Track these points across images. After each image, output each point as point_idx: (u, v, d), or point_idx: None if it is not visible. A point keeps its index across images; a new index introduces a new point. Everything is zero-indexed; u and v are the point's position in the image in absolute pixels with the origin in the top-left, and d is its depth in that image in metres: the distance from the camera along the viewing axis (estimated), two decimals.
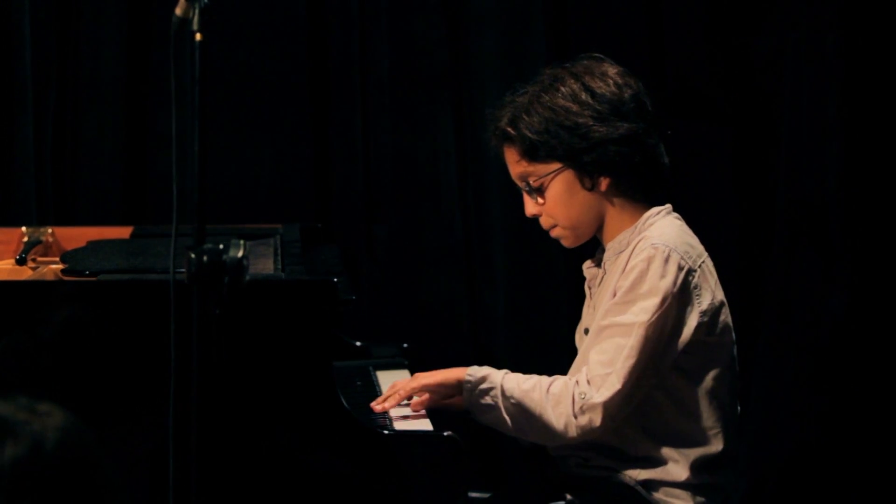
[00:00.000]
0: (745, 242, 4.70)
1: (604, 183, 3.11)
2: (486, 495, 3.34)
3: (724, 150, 4.72)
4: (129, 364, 3.00)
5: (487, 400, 3.07)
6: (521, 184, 3.20)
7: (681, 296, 3.02)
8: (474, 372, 3.10)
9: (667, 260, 3.01)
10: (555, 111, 3.10)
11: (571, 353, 3.42)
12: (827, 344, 4.49)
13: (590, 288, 3.25)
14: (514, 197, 4.72)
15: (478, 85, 4.79)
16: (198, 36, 2.32)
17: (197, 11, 2.33)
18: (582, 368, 3.06)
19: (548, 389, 3.03)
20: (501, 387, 3.07)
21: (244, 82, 4.80)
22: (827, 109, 4.47)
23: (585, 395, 3.00)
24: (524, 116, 3.13)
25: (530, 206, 3.20)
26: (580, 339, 3.27)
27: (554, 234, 3.20)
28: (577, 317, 3.34)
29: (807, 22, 4.50)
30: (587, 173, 3.11)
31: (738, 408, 3.18)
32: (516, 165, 3.17)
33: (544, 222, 3.20)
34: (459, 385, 3.11)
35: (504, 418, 3.07)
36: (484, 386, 3.08)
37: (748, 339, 4.58)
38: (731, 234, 4.67)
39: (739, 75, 4.69)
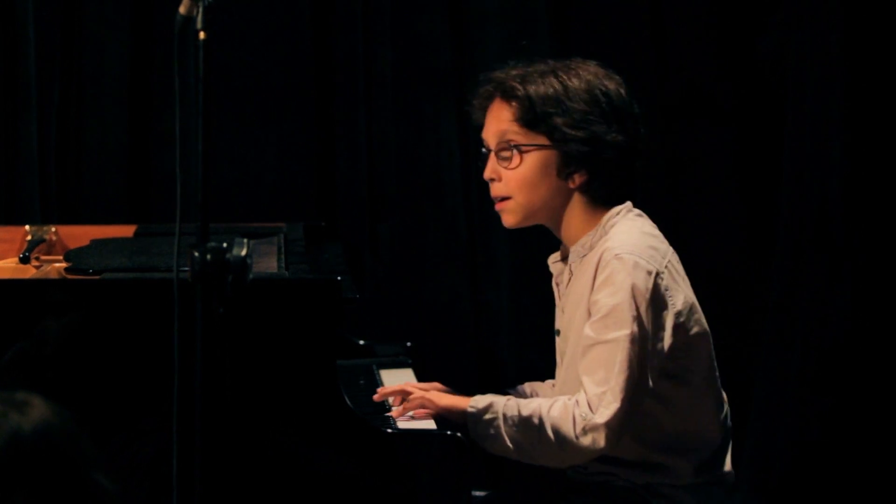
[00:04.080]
0: (749, 242, 4.70)
1: (578, 178, 3.08)
2: (489, 493, 3.35)
3: (727, 149, 4.72)
4: (132, 362, 3.00)
5: (491, 431, 3.04)
6: (493, 143, 3.13)
7: (654, 301, 2.99)
8: (476, 403, 3.06)
9: (634, 267, 2.98)
10: (567, 91, 3.06)
11: None
12: (831, 344, 4.49)
13: (557, 286, 3.23)
14: None
15: None
16: (201, 34, 2.32)
17: (201, 10, 2.33)
18: (580, 390, 3.03)
19: (548, 413, 3.00)
20: (503, 415, 3.03)
21: (248, 81, 4.80)
22: (830, 109, 4.47)
23: (586, 415, 2.96)
24: (538, 80, 3.08)
25: (491, 169, 3.13)
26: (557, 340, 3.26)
27: (500, 206, 3.14)
28: None
29: (810, 21, 4.49)
30: (568, 162, 3.07)
31: (725, 398, 3.17)
32: (503, 123, 3.11)
33: (498, 190, 3.13)
34: (465, 414, 3.07)
35: (508, 446, 3.03)
36: (487, 417, 3.04)
37: (752, 340, 4.59)
38: (734, 233, 4.67)
39: (743, 74, 4.69)
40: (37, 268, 3.60)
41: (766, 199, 4.66)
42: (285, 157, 4.84)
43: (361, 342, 3.73)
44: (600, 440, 2.96)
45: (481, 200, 4.81)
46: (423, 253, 4.85)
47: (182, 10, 2.36)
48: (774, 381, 4.55)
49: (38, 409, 1.91)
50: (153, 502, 2.92)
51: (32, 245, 3.87)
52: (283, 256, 3.51)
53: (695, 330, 3.07)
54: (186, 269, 2.27)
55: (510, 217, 3.15)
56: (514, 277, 4.80)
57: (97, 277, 3.16)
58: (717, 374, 3.15)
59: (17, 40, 4.72)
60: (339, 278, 3.15)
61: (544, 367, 3.46)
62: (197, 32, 2.32)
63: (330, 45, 4.84)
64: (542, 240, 4.77)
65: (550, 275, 3.26)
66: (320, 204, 4.83)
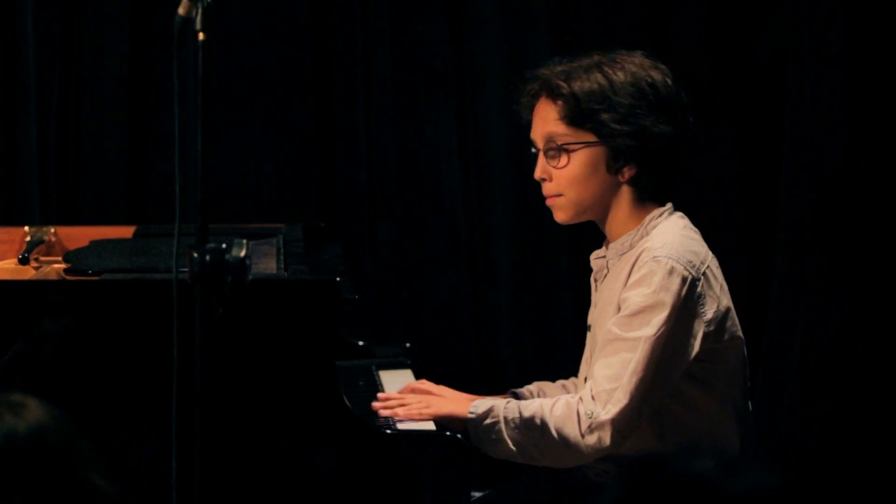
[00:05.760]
0: (749, 240, 4.70)
1: (627, 172, 3.07)
2: (489, 493, 3.35)
3: (727, 148, 4.71)
4: (131, 363, 3.00)
5: (493, 435, 3.02)
6: (541, 143, 3.11)
7: (685, 308, 2.98)
8: (476, 408, 3.05)
9: (670, 272, 2.97)
10: (612, 85, 3.04)
11: (574, 352, 3.42)
12: (831, 343, 4.48)
13: (595, 280, 3.22)
14: (516, 196, 4.76)
15: (480, 84, 4.79)
16: (200, 35, 2.33)
17: (200, 11, 2.33)
18: (587, 384, 3.02)
19: (550, 412, 2.99)
20: (504, 418, 3.01)
21: (247, 82, 4.80)
22: (830, 107, 4.46)
23: (592, 413, 2.95)
24: (583, 77, 3.06)
25: (541, 169, 3.11)
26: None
27: (552, 202, 3.13)
28: (581, 316, 3.33)
29: (811, 20, 4.49)
30: (617, 157, 3.06)
31: (750, 405, 3.17)
32: (550, 123, 3.09)
33: (549, 189, 3.12)
34: (465, 421, 3.05)
35: (511, 449, 3.02)
36: (488, 421, 3.03)
37: (753, 339, 4.58)
38: (734, 232, 4.67)
39: (743, 73, 4.69)
40: (36, 269, 3.60)
41: (766, 198, 4.66)
42: (285, 158, 4.84)
43: (361, 343, 3.73)
44: (606, 438, 2.95)
45: (480, 201, 4.81)
46: (423, 253, 4.84)
47: (181, 10, 2.36)
48: (774, 381, 4.54)
49: (33, 411, 1.90)
50: (153, 502, 2.92)
51: (32, 246, 3.86)
52: (282, 257, 3.50)
53: (726, 338, 3.05)
54: (185, 269, 2.27)
55: (562, 213, 3.13)
56: (514, 278, 4.80)
57: (96, 278, 3.16)
58: (748, 384, 3.13)
59: (17, 40, 4.72)
60: (338, 279, 3.16)
61: (545, 368, 3.46)
62: (196, 33, 2.33)
63: (329, 45, 4.84)
64: (542, 240, 4.79)
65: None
66: (320, 204, 4.82)
